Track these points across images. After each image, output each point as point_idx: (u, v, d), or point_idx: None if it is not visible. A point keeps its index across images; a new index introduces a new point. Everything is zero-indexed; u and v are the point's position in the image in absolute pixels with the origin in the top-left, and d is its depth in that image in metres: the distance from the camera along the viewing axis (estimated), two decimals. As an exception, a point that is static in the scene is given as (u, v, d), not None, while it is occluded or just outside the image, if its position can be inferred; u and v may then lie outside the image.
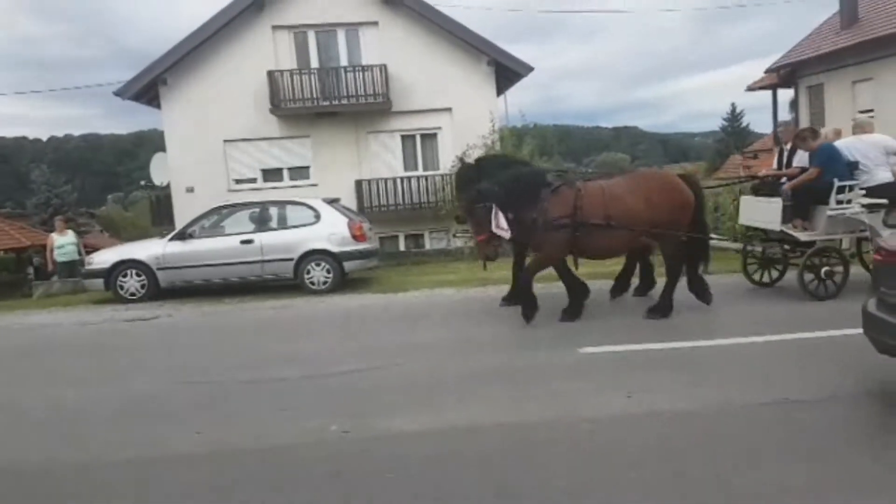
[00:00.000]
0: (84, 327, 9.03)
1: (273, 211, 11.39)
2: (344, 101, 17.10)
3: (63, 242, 14.19)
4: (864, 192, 7.52)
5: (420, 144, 18.30)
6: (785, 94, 27.29)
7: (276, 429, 4.51)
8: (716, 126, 63.56)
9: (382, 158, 18.16)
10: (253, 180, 17.56)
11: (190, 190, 16.86)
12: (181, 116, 17.02)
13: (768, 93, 27.25)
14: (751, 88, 28.59)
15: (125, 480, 3.87)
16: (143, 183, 21.84)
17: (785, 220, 7.79)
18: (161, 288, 10.87)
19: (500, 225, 7.03)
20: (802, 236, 7.73)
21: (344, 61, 17.61)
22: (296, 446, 4.20)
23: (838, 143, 7.84)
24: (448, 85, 17.40)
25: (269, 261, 10.83)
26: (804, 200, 7.75)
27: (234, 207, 11.70)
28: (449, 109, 17.65)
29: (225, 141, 17.24)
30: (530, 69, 18.04)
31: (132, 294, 10.80)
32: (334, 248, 10.81)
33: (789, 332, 6.21)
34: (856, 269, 8.24)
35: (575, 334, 6.57)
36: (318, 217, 11.07)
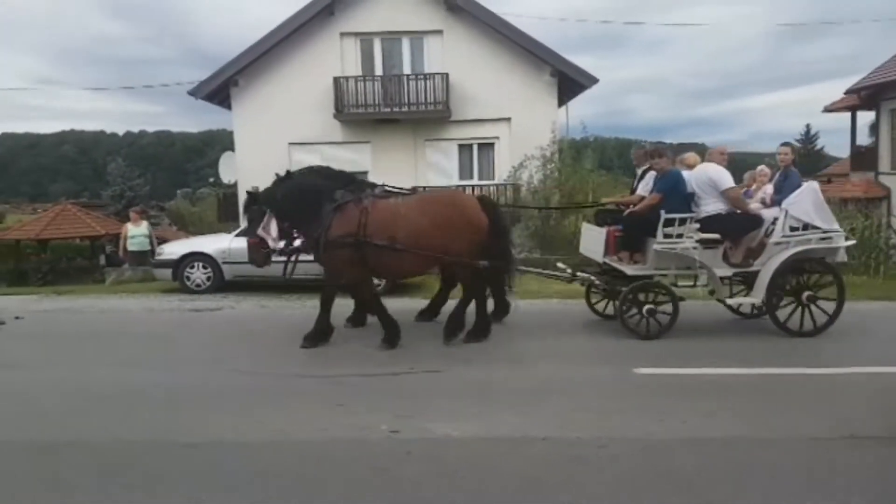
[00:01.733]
0: (152, 314, 9.51)
1: (333, 213, 11.68)
2: (405, 109, 17.35)
3: (136, 233, 14.94)
4: (698, 225, 7.02)
5: (477, 154, 18.40)
6: (865, 117, 26.20)
7: (330, 423, 4.70)
8: (786, 147, 61.19)
9: (439, 166, 18.33)
10: (314, 183, 17.98)
11: (255, 189, 17.37)
12: (250, 117, 17.61)
13: (846, 115, 26.19)
14: (828, 109, 27.53)
15: (186, 462, 4.11)
16: (211, 180, 22.61)
17: (612, 252, 7.42)
18: (225, 281, 11.36)
19: (269, 231, 6.94)
20: (628, 270, 7.22)
21: (407, 69, 17.88)
22: (346, 441, 4.38)
23: (688, 173, 7.36)
24: (508, 94, 17.45)
25: (327, 261, 11.12)
26: (634, 231, 7.27)
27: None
28: (508, 119, 17.70)
29: (290, 144, 17.74)
30: (595, 80, 17.84)
31: (198, 285, 11.33)
32: (390, 252, 11.01)
33: (856, 365, 5.98)
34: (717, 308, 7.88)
35: (630, 354, 6.51)
36: (375, 221, 11.30)
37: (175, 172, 79.41)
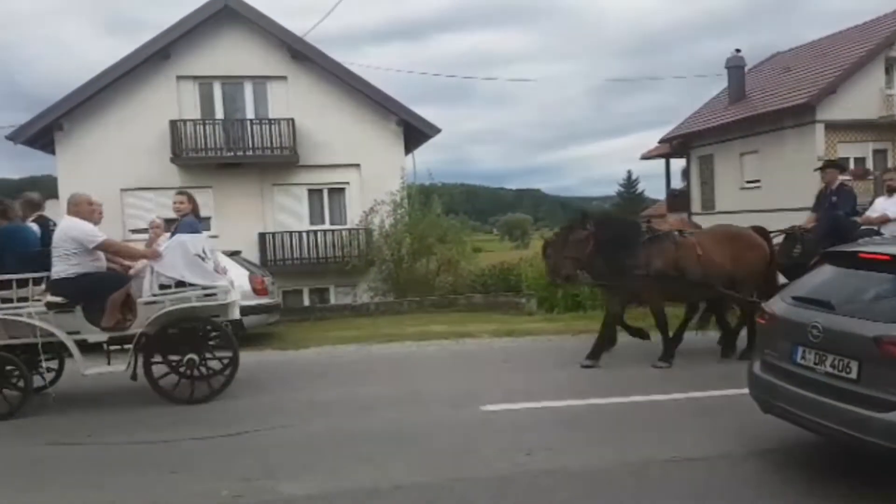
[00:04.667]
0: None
1: (170, 263, 10.95)
2: (249, 153, 16.96)
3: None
4: (43, 287, 6.30)
5: (327, 199, 18.33)
6: (678, 163, 29.48)
7: (162, 493, 4.30)
8: (612, 191, 67.59)
9: (288, 211, 18.00)
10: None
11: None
12: (77, 163, 16.29)
13: (662, 161, 29.28)
14: (645, 157, 30.62)
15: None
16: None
17: None
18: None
19: None
20: None
21: (250, 114, 17.54)
22: (182, 513, 4.02)
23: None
24: (357, 141, 17.62)
25: (164, 315, 10.34)
26: None
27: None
28: (357, 165, 17.84)
29: (122, 190, 16.59)
30: (438, 130, 18.65)
31: (7, 351, 9.98)
32: (234, 303, 10.48)
33: (683, 391, 6.45)
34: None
35: (477, 392, 6.63)
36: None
37: (-13, 223, 70.73)
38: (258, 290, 10.76)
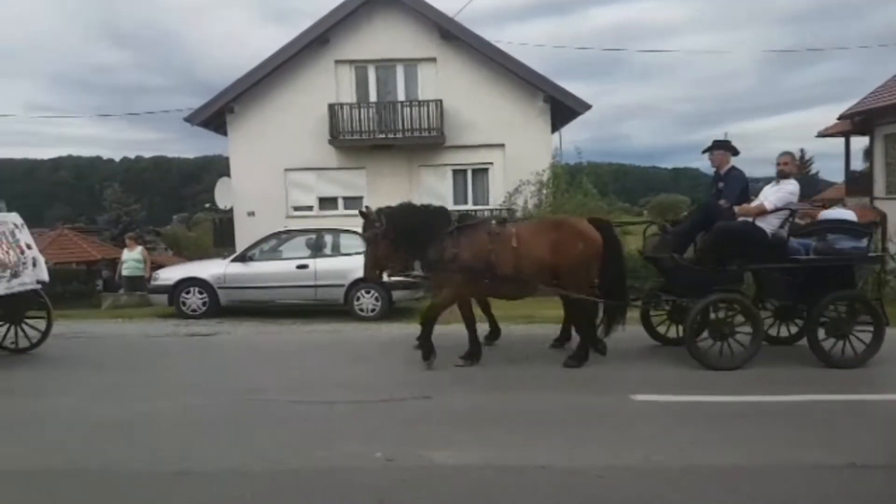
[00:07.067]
0: (147, 339, 9.46)
1: (328, 238, 11.77)
2: (399, 135, 17.52)
3: (127, 258, 14.98)
4: None
5: (471, 179, 18.55)
6: (859, 142, 26.42)
7: (323, 451, 4.65)
8: (781, 171, 61.80)
9: (434, 191, 18.42)
10: (310, 208, 18.08)
11: (251, 214, 17.48)
12: (245, 144, 17.75)
13: (841, 140, 26.42)
14: (822, 135, 27.76)
15: (180, 491, 4.07)
16: (207, 205, 22.75)
17: None
18: (221, 306, 11.36)
19: None
20: None
21: (401, 96, 18.07)
22: (341, 470, 4.32)
23: None
24: (502, 121, 17.63)
25: (322, 286, 11.15)
26: None
27: (292, 233, 12.14)
28: (502, 145, 17.85)
29: (285, 169, 17.86)
30: (588, 107, 18.10)
31: (193, 310, 11.32)
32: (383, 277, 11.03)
33: (846, 392, 5.96)
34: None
35: (627, 381, 6.46)
36: (370, 246, 11.36)
37: (171, 198, 79.42)
38: (406, 266, 11.21)
